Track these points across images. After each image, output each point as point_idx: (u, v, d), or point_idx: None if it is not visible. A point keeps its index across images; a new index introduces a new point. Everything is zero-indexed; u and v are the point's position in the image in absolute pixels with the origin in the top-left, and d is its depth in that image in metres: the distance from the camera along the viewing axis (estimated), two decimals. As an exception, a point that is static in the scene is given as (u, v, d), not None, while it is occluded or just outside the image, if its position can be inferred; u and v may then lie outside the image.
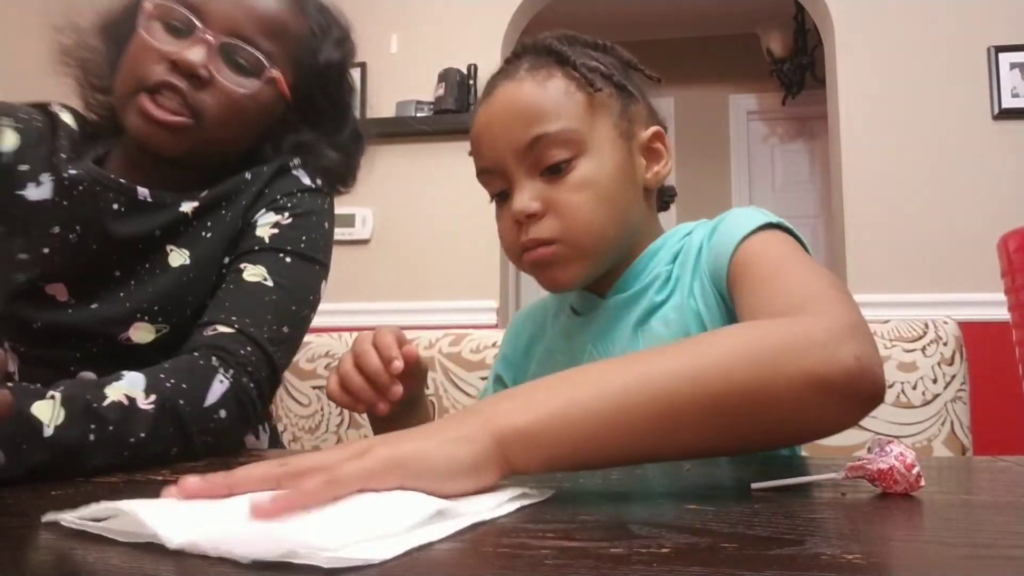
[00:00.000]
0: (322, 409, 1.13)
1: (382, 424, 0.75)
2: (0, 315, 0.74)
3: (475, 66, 2.65)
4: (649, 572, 0.27)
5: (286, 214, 0.79)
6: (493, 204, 0.75)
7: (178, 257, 0.76)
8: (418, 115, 2.64)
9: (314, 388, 1.13)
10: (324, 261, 0.81)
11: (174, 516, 0.32)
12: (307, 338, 1.17)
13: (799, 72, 3.74)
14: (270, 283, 0.75)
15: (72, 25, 0.81)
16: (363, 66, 2.71)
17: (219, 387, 0.67)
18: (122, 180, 0.75)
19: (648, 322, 0.71)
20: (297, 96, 0.82)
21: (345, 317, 2.40)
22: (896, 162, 2.41)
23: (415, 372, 0.70)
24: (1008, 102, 2.38)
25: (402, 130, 2.64)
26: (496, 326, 2.53)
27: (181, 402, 0.63)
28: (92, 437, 0.57)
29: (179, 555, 0.29)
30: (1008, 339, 1.58)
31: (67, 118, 0.82)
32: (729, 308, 0.66)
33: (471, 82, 2.64)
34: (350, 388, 0.67)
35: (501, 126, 0.70)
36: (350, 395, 0.68)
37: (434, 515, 0.34)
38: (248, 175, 0.80)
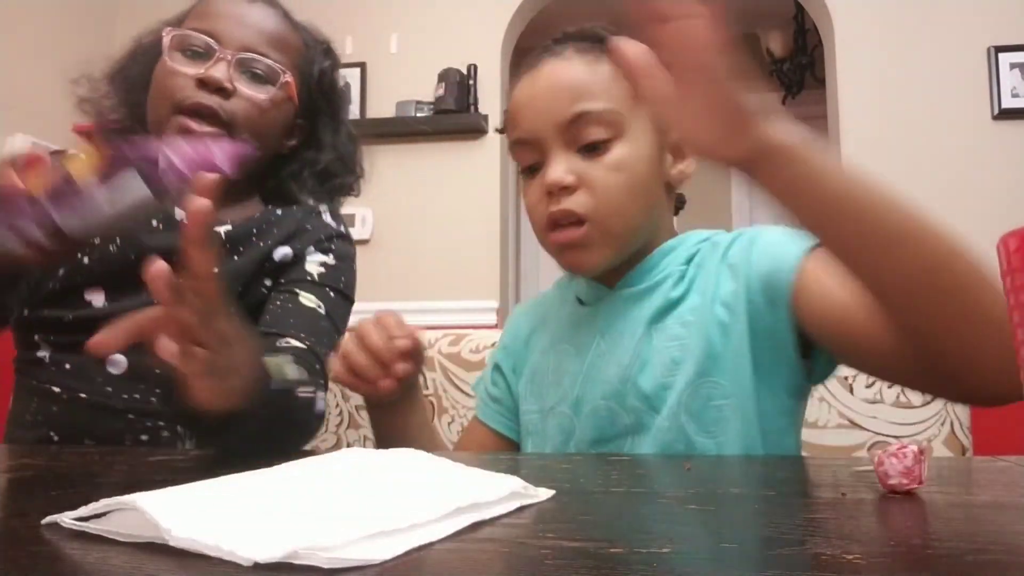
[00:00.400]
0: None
1: (380, 414, 0.75)
2: (31, 318, 0.84)
3: (475, 66, 2.65)
4: (649, 572, 0.27)
5: (331, 256, 0.92)
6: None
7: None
8: (418, 115, 2.64)
9: (314, 388, 1.13)
10: (353, 299, 0.94)
11: (176, 509, 0.32)
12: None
13: (799, 72, 3.74)
14: (322, 311, 0.86)
15: (87, 76, 0.93)
16: (363, 66, 2.71)
17: (319, 396, 0.77)
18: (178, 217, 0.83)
19: (663, 320, 0.70)
20: (301, 101, 0.92)
21: (345, 317, 2.40)
22: (896, 162, 2.41)
23: (415, 355, 0.71)
24: (1008, 102, 2.38)
25: (402, 130, 2.63)
26: (496, 326, 2.53)
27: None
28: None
29: (180, 555, 0.29)
30: (1008, 339, 1.58)
31: None
32: (776, 318, 0.65)
33: (471, 82, 2.64)
34: (355, 366, 0.68)
35: (545, 98, 0.70)
36: (354, 374, 0.68)
37: (433, 514, 0.34)
38: (279, 211, 0.91)
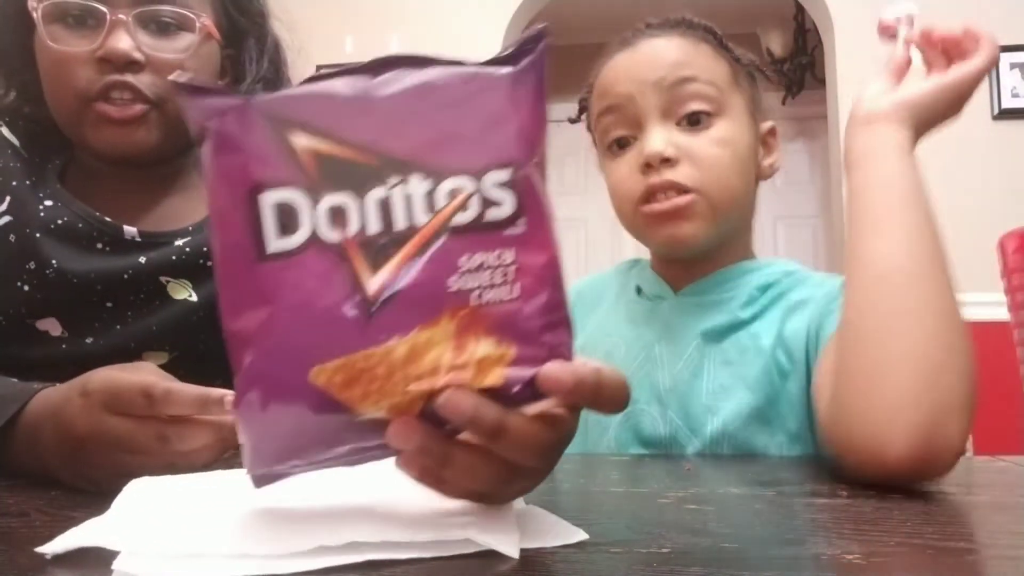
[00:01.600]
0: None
1: None
2: None
3: (475, 66, 2.65)
4: (649, 572, 0.27)
5: None
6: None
7: (180, 289, 0.72)
8: (418, 115, 2.64)
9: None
10: None
11: (140, 537, 0.31)
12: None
13: (799, 72, 3.74)
14: None
15: None
16: (363, 66, 2.72)
17: None
18: (107, 219, 0.71)
19: (722, 341, 0.67)
20: (222, 31, 0.76)
21: (345, 317, 2.39)
22: (896, 162, 2.42)
23: None
24: (1008, 102, 2.38)
25: (402, 130, 2.64)
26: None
27: None
28: None
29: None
30: (1008, 339, 1.58)
31: (6, 132, 0.75)
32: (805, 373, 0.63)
33: (471, 82, 2.64)
34: None
35: (646, 65, 0.67)
36: None
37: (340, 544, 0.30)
38: None
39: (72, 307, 0.70)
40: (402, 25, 2.76)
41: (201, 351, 0.72)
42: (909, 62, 0.60)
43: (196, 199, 0.77)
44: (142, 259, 0.70)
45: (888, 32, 0.61)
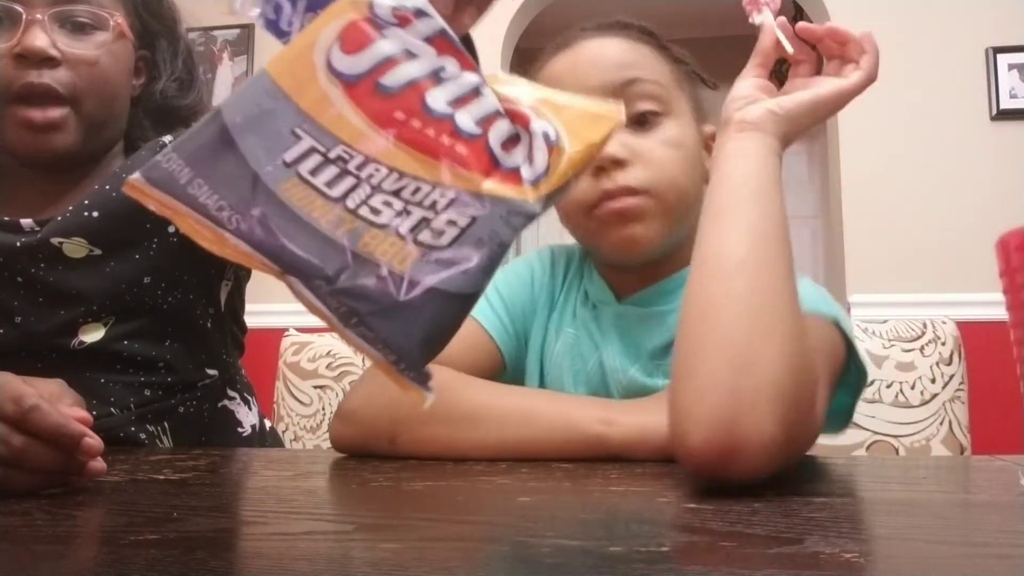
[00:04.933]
0: (323, 408, 1.13)
1: None
2: None
3: (474, 67, 2.65)
4: (648, 571, 0.27)
5: None
6: None
7: (77, 249, 0.72)
8: (418, 115, 2.64)
9: (315, 388, 1.13)
10: None
11: None
12: (308, 338, 1.17)
13: (798, 73, 3.74)
14: None
15: None
16: (363, 67, 2.72)
17: None
18: (5, 218, 0.72)
19: (666, 358, 0.66)
20: (135, 32, 0.79)
21: (344, 317, 2.39)
22: (894, 162, 2.42)
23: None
24: (1006, 103, 2.38)
25: (401, 130, 2.64)
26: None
27: None
28: None
29: (183, 549, 0.30)
30: (1006, 339, 1.59)
31: None
32: None
33: (470, 82, 2.64)
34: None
35: (590, 67, 0.66)
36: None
37: None
38: (129, 162, 0.78)
39: None
40: (401, 26, 2.76)
41: (133, 309, 0.73)
42: (776, 50, 0.59)
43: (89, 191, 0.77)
44: (39, 235, 0.71)
45: (755, 5, 0.61)
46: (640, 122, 0.66)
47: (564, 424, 0.58)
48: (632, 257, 0.68)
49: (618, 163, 0.64)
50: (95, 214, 0.73)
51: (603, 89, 0.64)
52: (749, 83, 0.58)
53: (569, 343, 0.73)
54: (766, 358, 0.44)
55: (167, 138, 0.81)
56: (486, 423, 0.59)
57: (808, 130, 0.57)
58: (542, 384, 0.75)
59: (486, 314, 0.73)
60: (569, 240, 0.75)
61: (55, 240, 0.72)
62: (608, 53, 0.68)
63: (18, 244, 0.71)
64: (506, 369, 0.74)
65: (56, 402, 0.45)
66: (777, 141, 0.55)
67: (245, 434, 0.84)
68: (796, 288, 0.49)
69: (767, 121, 0.55)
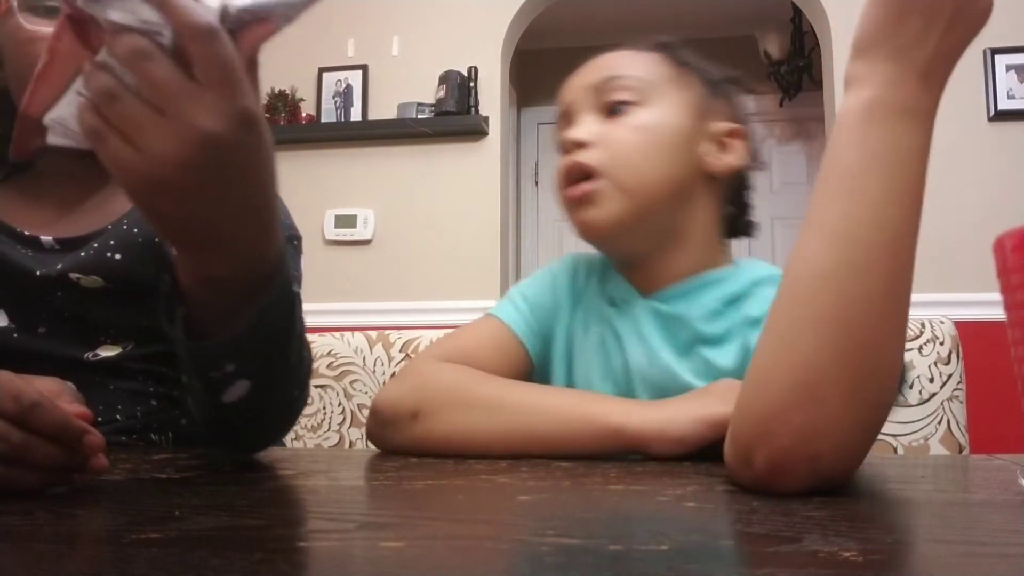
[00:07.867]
0: (324, 408, 1.13)
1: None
2: None
3: (476, 68, 2.65)
4: (648, 569, 0.28)
5: None
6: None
7: (94, 282, 0.73)
8: (419, 117, 2.64)
9: (315, 388, 1.13)
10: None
11: None
12: (309, 337, 1.17)
13: (796, 74, 3.74)
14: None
15: None
16: (365, 68, 2.73)
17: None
18: (26, 232, 0.73)
19: (687, 357, 0.68)
20: None
21: (347, 317, 2.41)
22: (894, 163, 2.42)
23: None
24: (1004, 104, 2.39)
25: (403, 131, 2.64)
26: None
27: None
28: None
29: (185, 548, 0.30)
30: (1004, 338, 1.59)
31: None
32: None
33: (472, 84, 2.64)
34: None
35: (584, 74, 0.74)
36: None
37: None
38: None
39: (15, 300, 0.72)
40: (404, 28, 2.77)
41: (151, 337, 0.73)
42: None
43: (113, 195, 0.77)
44: (59, 265, 0.72)
45: None
46: (615, 112, 0.71)
47: (581, 414, 0.59)
48: (594, 239, 0.73)
49: (580, 146, 0.70)
50: (118, 256, 0.73)
51: (588, 87, 0.72)
52: None
53: (595, 341, 0.75)
54: (838, 387, 0.43)
55: None
56: (502, 411, 0.61)
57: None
58: (569, 384, 0.76)
59: (512, 316, 0.76)
60: (590, 250, 0.79)
61: (73, 276, 0.72)
62: (604, 60, 0.75)
63: (38, 273, 0.71)
64: (534, 368, 0.76)
65: (55, 399, 0.45)
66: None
67: None
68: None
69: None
